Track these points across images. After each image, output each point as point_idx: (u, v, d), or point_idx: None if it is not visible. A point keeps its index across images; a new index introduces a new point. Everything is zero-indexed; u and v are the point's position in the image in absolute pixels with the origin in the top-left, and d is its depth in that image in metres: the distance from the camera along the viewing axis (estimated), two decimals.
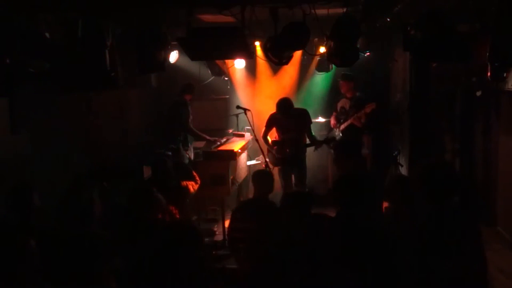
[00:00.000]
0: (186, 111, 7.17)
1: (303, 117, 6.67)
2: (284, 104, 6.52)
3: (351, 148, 4.84)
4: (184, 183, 5.50)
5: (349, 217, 3.39)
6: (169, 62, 6.53)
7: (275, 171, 6.63)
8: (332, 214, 3.60)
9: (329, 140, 6.64)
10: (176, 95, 7.36)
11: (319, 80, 8.60)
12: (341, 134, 7.50)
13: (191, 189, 5.55)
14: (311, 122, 6.76)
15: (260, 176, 4.73)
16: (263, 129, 6.85)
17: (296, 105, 7.32)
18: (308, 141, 6.75)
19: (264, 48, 5.39)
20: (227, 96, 8.78)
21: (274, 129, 6.84)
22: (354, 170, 4.27)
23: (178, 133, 7.18)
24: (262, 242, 3.76)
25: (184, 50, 5.40)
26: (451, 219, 3.17)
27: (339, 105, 7.67)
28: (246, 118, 6.56)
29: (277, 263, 3.55)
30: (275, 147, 6.76)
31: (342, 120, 7.54)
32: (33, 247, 2.63)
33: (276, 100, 6.61)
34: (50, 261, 3.06)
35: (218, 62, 8.03)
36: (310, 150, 7.01)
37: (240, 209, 4.70)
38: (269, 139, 6.87)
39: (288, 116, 6.56)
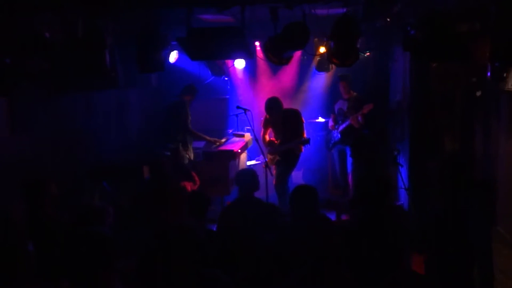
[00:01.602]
0: (185, 112, 7.16)
1: (293, 117, 6.67)
2: (269, 104, 6.56)
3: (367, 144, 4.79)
4: (182, 184, 5.50)
5: (370, 216, 3.38)
6: (169, 62, 6.54)
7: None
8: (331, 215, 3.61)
9: (304, 141, 6.64)
10: (177, 95, 7.35)
11: (319, 80, 8.60)
12: (339, 135, 7.51)
13: (189, 190, 5.55)
14: (303, 122, 6.75)
15: (243, 176, 4.72)
16: (262, 129, 6.88)
17: (296, 105, 7.32)
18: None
19: (264, 48, 5.40)
20: (227, 96, 8.78)
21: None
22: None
23: (177, 134, 7.18)
24: (253, 242, 3.74)
25: (184, 50, 5.40)
26: (460, 218, 3.19)
27: (337, 106, 7.68)
28: (246, 118, 6.56)
29: (270, 262, 3.54)
30: (269, 148, 6.79)
31: (340, 122, 7.55)
32: (31, 252, 2.62)
33: None
34: (56, 258, 3.06)
35: (218, 62, 8.03)
36: (311, 152, 7.02)
37: (228, 211, 4.67)
38: (268, 138, 6.89)
39: (277, 116, 6.58)
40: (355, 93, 7.48)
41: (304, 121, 6.85)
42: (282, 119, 6.62)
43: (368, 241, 3.29)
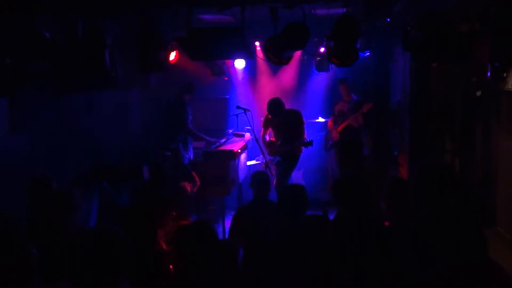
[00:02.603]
0: (185, 111, 7.16)
1: (295, 118, 6.67)
2: (272, 104, 6.57)
3: (353, 148, 4.86)
4: (182, 184, 5.49)
5: (350, 218, 3.40)
6: (169, 62, 6.53)
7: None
8: (331, 215, 3.61)
9: (307, 143, 6.64)
10: (176, 95, 7.35)
11: (319, 80, 8.61)
12: (338, 136, 7.52)
13: (189, 190, 5.54)
14: (303, 123, 6.75)
15: (258, 177, 4.73)
16: (262, 129, 6.89)
17: (296, 105, 7.32)
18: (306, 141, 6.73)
19: (264, 48, 5.40)
20: (227, 96, 8.78)
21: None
22: (356, 169, 4.30)
23: (178, 133, 7.18)
24: (263, 243, 3.75)
25: (184, 50, 5.40)
26: (451, 221, 3.18)
27: (337, 108, 7.70)
28: (246, 118, 6.56)
29: (275, 263, 3.54)
30: (269, 148, 6.78)
31: (339, 122, 7.56)
32: (34, 256, 2.61)
33: None
34: (58, 258, 3.06)
35: (218, 62, 8.04)
36: (310, 152, 7.00)
37: (242, 212, 4.66)
38: (267, 138, 6.89)
39: (279, 117, 6.58)
40: (355, 97, 7.53)
41: (305, 122, 6.86)
42: (284, 120, 6.62)
43: (369, 241, 3.30)
